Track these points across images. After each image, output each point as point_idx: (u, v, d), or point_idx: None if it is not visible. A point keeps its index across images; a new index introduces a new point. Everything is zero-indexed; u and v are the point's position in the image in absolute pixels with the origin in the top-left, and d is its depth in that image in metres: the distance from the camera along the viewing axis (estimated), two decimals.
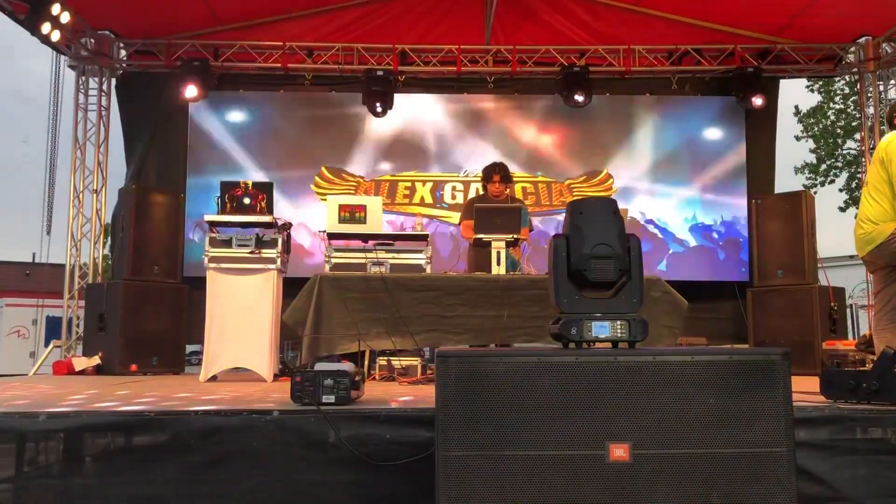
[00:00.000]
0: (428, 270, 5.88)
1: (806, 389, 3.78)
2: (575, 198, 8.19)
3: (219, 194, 5.56)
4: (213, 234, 5.47)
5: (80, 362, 6.52)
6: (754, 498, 2.16)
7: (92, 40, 8.51)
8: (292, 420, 2.97)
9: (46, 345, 8.41)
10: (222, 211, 5.50)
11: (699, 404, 2.19)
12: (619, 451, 2.16)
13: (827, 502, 2.91)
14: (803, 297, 7.07)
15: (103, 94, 8.79)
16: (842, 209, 21.23)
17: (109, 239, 8.59)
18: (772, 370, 2.20)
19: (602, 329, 2.50)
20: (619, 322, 2.51)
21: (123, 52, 8.88)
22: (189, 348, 9.14)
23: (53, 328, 10.25)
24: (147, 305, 6.81)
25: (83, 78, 8.73)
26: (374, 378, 5.56)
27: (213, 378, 5.42)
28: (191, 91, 8.38)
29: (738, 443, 2.18)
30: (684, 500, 2.16)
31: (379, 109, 8.54)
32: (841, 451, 2.95)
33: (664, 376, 2.20)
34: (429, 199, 8.95)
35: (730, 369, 2.20)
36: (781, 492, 2.16)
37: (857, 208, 4.52)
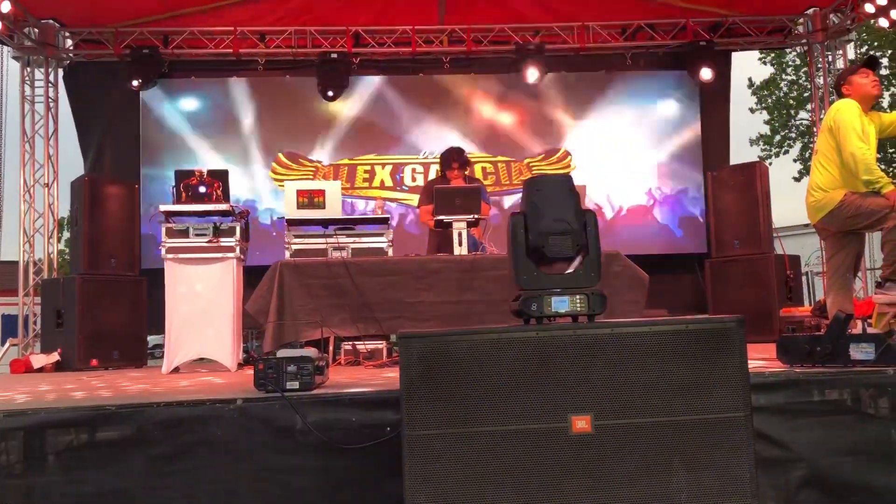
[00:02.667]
0: (390, 254, 5.87)
1: (764, 356, 3.87)
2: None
3: (174, 184, 5.47)
4: (169, 225, 5.39)
5: (39, 360, 6.40)
6: (715, 462, 2.22)
7: (35, 30, 8.29)
8: (256, 408, 2.96)
9: (2, 343, 8.22)
10: (178, 200, 5.41)
11: (658, 374, 2.23)
12: (581, 423, 2.20)
13: (785, 464, 2.98)
14: (760, 266, 7.20)
15: (50, 85, 8.58)
16: (796, 179, 21.66)
17: (67, 233, 8.42)
18: (727, 337, 2.24)
19: (561, 304, 2.52)
20: (578, 296, 2.54)
21: (69, 42, 8.67)
22: (152, 341, 9.04)
23: (9, 326, 10.02)
24: (105, 299, 6.69)
25: (28, 69, 8.51)
26: (339, 363, 5.54)
27: (176, 370, 5.36)
28: (140, 80, 8.22)
29: (697, 409, 2.23)
30: (646, 467, 2.20)
31: (330, 94, 8.47)
32: (797, 413, 3.03)
33: (623, 348, 2.23)
34: (389, 183, 8.92)
35: (687, 338, 2.24)
36: (740, 455, 2.22)
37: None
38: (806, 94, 20.18)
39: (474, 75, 9.11)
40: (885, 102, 18.60)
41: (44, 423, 2.91)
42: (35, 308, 7.97)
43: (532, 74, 8.53)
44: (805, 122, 21.34)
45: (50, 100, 8.56)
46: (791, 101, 22.23)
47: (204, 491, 2.87)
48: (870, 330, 3.51)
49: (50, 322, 6.74)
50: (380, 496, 2.91)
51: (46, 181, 8.45)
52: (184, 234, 5.35)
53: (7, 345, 7.93)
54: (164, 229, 5.37)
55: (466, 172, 6.66)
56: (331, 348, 5.54)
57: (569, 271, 2.63)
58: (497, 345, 2.23)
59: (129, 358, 6.74)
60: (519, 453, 2.20)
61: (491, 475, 2.19)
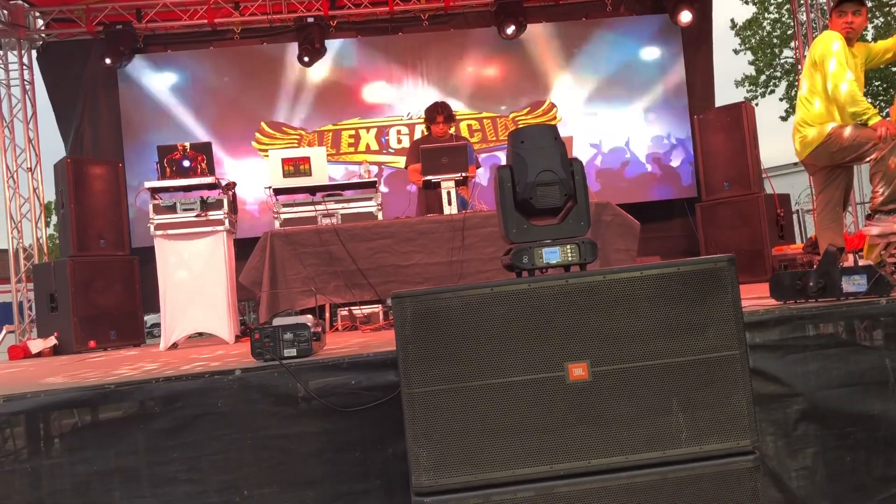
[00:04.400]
0: (380, 217, 5.84)
1: (757, 295, 3.89)
2: None
3: (157, 160, 5.42)
4: (156, 202, 5.35)
5: (36, 345, 6.39)
6: (712, 400, 2.23)
7: (4, 11, 8.13)
8: (255, 377, 2.96)
9: None
10: (162, 176, 5.36)
11: (652, 318, 2.23)
12: (578, 371, 2.20)
13: (782, 399, 3.02)
14: (750, 206, 7.21)
15: (25, 67, 8.44)
16: (783, 118, 21.60)
17: (55, 217, 8.37)
18: (719, 277, 2.24)
19: (553, 254, 2.52)
20: (568, 246, 2.53)
21: (41, 22, 8.50)
22: (150, 320, 9.04)
23: (5, 313, 10.00)
24: (98, 280, 6.66)
25: (1, 52, 8.35)
26: (336, 329, 5.55)
27: (174, 346, 5.37)
28: (115, 57, 8.09)
29: (693, 350, 2.23)
30: (645, 410, 2.21)
31: (307, 59, 8.36)
32: (792, 349, 3.05)
33: (616, 294, 2.23)
34: (374, 146, 8.85)
35: (678, 280, 2.24)
36: (737, 393, 2.23)
37: None
38: (790, 32, 20.01)
39: (453, 31, 8.98)
40: (870, 35, 18.46)
41: (44, 405, 2.91)
42: (29, 294, 7.95)
43: (512, 28, 8.42)
44: (790, 60, 21.21)
45: (26, 82, 8.44)
46: (775, 40, 22.05)
47: (208, 462, 2.89)
48: (861, 262, 3.52)
49: (44, 307, 6.72)
50: (384, 456, 2.95)
51: (29, 165, 8.36)
52: (171, 209, 5.31)
53: (4, 332, 7.91)
54: (151, 206, 5.33)
55: (452, 130, 6.60)
56: (327, 315, 5.55)
57: (558, 222, 2.62)
58: (489, 299, 2.23)
59: (127, 337, 6.74)
60: (518, 404, 2.21)
61: (491, 428, 2.21)
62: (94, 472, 2.87)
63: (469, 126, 8.86)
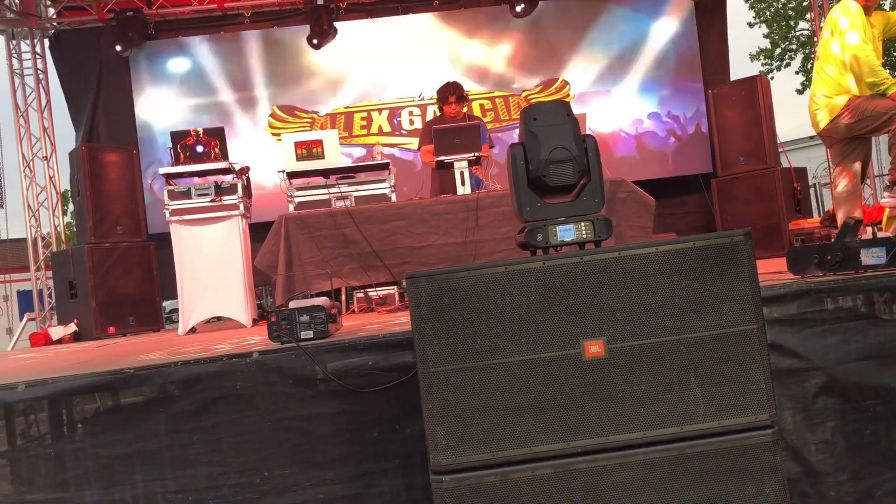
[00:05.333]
0: (393, 199, 5.84)
1: (774, 270, 3.86)
2: None
3: (171, 146, 5.43)
4: (170, 187, 5.37)
5: (57, 331, 6.46)
6: (730, 376, 2.22)
7: (16, 0, 8.13)
8: (273, 359, 2.98)
9: (21, 319, 8.32)
10: (176, 162, 5.38)
11: (668, 293, 2.22)
12: (594, 348, 2.20)
13: (801, 373, 3.00)
14: (767, 181, 7.13)
15: (37, 56, 8.47)
16: (799, 91, 21.31)
17: (72, 205, 8.44)
18: (736, 251, 2.22)
19: (567, 232, 2.50)
20: (583, 223, 2.52)
21: (52, 11, 8.52)
22: (169, 306, 9.12)
23: (26, 302, 10.14)
24: (116, 267, 6.72)
25: (14, 42, 8.39)
26: (353, 311, 5.58)
27: (193, 330, 5.41)
28: (126, 44, 8.10)
29: (710, 325, 2.22)
30: (662, 386, 2.21)
31: (315, 41, 8.33)
32: (810, 323, 3.03)
33: (631, 270, 2.21)
34: (387, 128, 8.83)
35: (694, 255, 2.22)
36: (755, 366, 2.21)
37: None
38: (805, 4, 19.70)
39: (463, 10, 8.92)
40: (888, 4, 18.14)
41: (65, 390, 2.94)
42: (48, 282, 8.03)
43: (523, 5, 8.34)
44: (806, 32, 20.88)
45: (39, 71, 8.47)
46: (790, 12, 21.71)
47: (228, 444, 2.92)
48: (880, 234, 3.48)
49: (63, 294, 6.79)
50: (402, 436, 2.96)
51: (45, 154, 8.42)
52: (186, 195, 5.34)
53: (25, 319, 8.02)
54: (166, 192, 5.35)
55: (465, 109, 6.57)
56: (343, 297, 5.57)
57: (572, 199, 2.60)
58: (504, 278, 2.22)
59: (146, 323, 6.81)
60: (534, 382, 2.20)
61: (508, 406, 2.21)
62: (116, 456, 2.90)
63: (481, 105, 8.82)
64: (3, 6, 7.98)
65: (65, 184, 8.53)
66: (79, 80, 8.58)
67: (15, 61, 8.39)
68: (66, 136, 8.68)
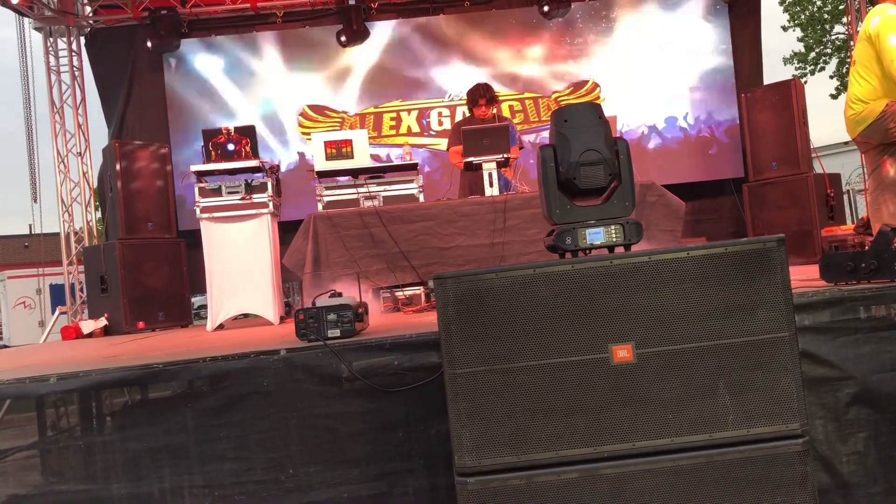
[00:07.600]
0: (421, 199, 5.84)
1: (806, 277, 3.80)
2: None
3: (202, 144, 5.49)
4: (201, 185, 5.42)
5: (88, 325, 6.56)
6: (761, 383, 2.18)
7: None
8: (300, 357, 3.00)
9: (53, 312, 8.45)
10: (207, 160, 5.44)
11: (699, 299, 2.19)
12: (622, 353, 2.18)
13: (833, 382, 2.95)
14: (799, 186, 7.03)
15: (74, 53, 8.60)
16: (833, 96, 21.03)
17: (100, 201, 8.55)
18: (768, 257, 2.19)
19: (596, 235, 2.49)
20: (613, 227, 2.50)
21: (88, 9, 8.65)
22: (197, 302, 9.21)
23: (58, 295, 10.30)
24: (146, 262, 6.79)
25: (51, 39, 8.54)
26: (379, 311, 5.58)
27: (220, 327, 5.46)
28: (160, 41, 8.20)
29: (741, 332, 2.19)
30: (691, 392, 2.18)
31: (343, 39, 8.38)
32: (843, 331, 2.98)
33: (661, 275, 2.19)
34: (416, 129, 8.84)
35: (726, 261, 2.19)
36: (786, 375, 2.18)
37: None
38: (841, 7, 19.41)
39: (495, 11, 8.91)
40: None
41: (96, 383, 2.98)
42: (80, 276, 8.15)
43: (554, 7, 8.31)
44: (841, 36, 20.59)
45: (75, 68, 8.60)
46: (825, 16, 21.41)
47: (254, 441, 2.94)
48: None
49: (95, 288, 6.88)
50: (427, 436, 2.96)
51: (79, 150, 8.55)
52: (217, 192, 5.39)
53: (57, 313, 8.14)
54: (196, 189, 5.41)
55: (494, 111, 6.55)
56: (369, 296, 5.58)
57: (602, 202, 2.58)
58: (532, 280, 2.21)
59: (175, 318, 6.88)
60: (561, 386, 2.19)
61: (534, 409, 2.19)
62: (145, 449, 2.94)
63: (511, 107, 8.80)
64: (41, 4, 8.12)
65: (95, 180, 8.67)
66: (112, 77, 8.69)
67: (52, 58, 8.53)
68: (100, 132, 8.82)
